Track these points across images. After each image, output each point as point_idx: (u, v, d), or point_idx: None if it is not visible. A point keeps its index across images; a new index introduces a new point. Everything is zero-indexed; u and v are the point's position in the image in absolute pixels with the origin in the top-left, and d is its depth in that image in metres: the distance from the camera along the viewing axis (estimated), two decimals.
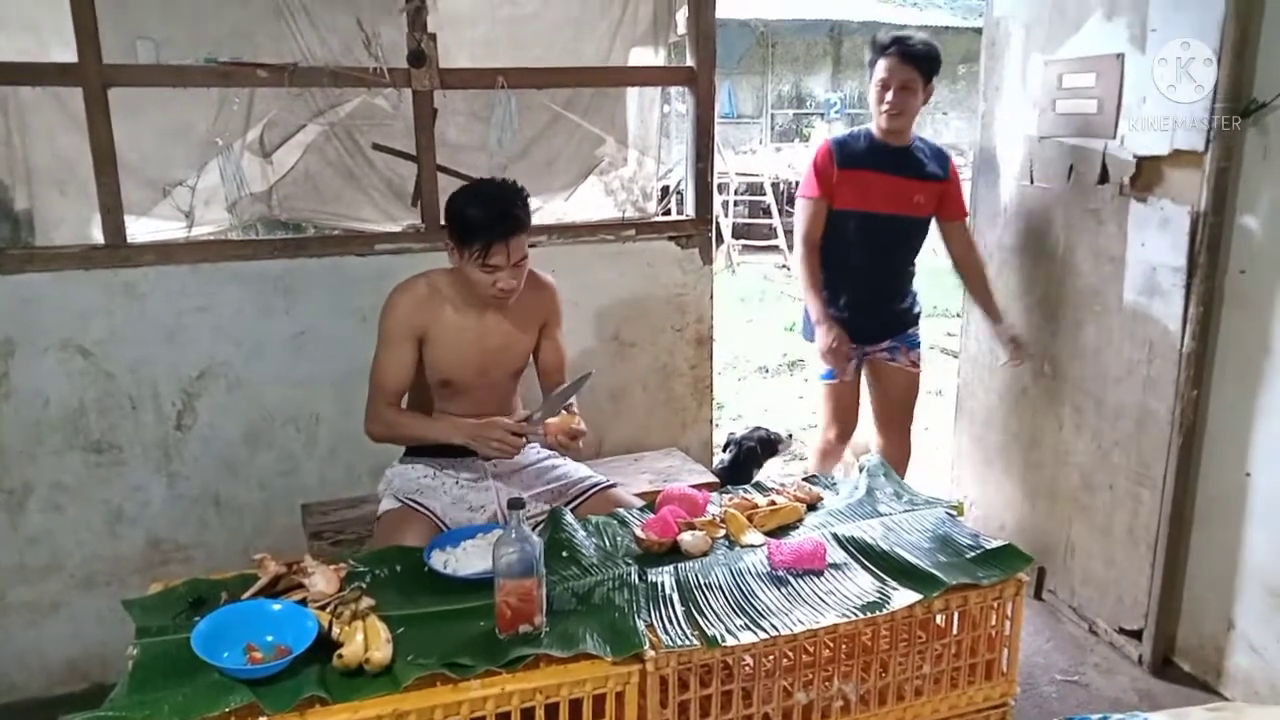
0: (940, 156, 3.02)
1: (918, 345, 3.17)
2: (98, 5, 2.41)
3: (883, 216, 2.95)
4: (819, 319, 2.99)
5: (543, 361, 2.43)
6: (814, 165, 2.97)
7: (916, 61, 2.83)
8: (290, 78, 2.61)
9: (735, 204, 11.53)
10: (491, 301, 2.22)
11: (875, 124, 2.94)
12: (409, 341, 2.23)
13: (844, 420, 3.13)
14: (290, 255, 2.71)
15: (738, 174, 11.58)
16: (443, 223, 2.24)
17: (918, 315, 3.17)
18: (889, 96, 2.85)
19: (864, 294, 3.04)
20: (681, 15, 3.07)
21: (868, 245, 2.98)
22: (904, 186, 2.93)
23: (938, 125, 14.74)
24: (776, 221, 11.47)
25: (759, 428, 3.92)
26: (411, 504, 2.23)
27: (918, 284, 3.18)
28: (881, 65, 2.85)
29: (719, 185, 3.67)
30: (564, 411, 2.22)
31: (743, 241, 11.21)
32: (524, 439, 2.20)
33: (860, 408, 3.26)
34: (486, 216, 2.12)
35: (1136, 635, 2.81)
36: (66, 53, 2.45)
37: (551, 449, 2.19)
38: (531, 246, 2.83)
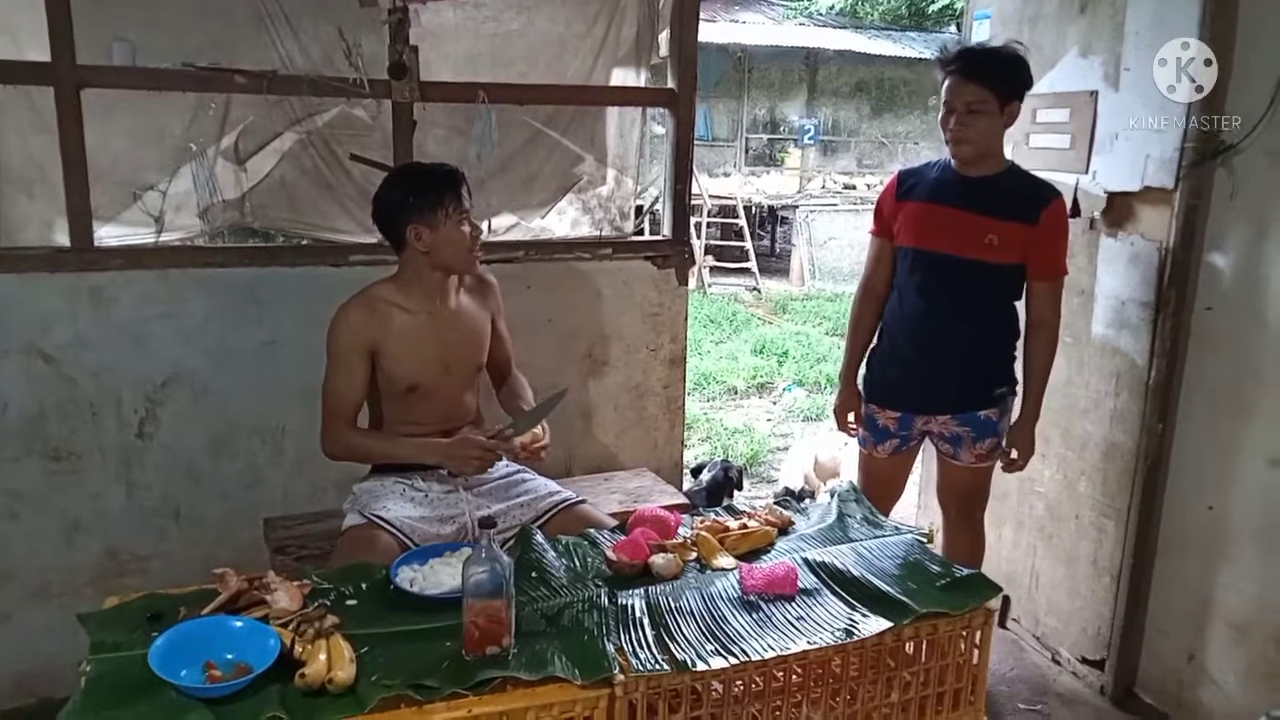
0: (1036, 196, 2.44)
1: (992, 434, 2.56)
2: (75, 7, 2.38)
3: (940, 257, 2.48)
4: (840, 375, 2.75)
5: (493, 355, 2.45)
6: (879, 198, 2.66)
7: (986, 76, 2.37)
8: (269, 85, 2.60)
9: (708, 226, 11.62)
10: (466, 267, 2.26)
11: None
12: (360, 359, 2.23)
13: (875, 497, 2.41)
14: (263, 264, 2.68)
15: (711, 196, 11.68)
16: (378, 218, 2.27)
17: (999, 395, 2.56)
18: (951, 122, 2.42)
19: (913, 350, 2.57)
20: (664, 38, 3.09)
21: (921, 290, 2.53)
22: (974, 224, 2.43)
23: (909, 155, 14.94)
24: (749, 244, 11.57)
25: (726, 459, 4.03)
26: (375, 520, 2.19)
27: (995, 350, 2.57)
28: (945, 85, 2.42)
29: (692, 206, 3.72)
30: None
31: (713, 262, 11.30)
32: (498, 454, 2.19)
33: (905, 484, 2.82)
34: (444, 172, 2.19)
35: (1099, 665, 2.83)
36: (42, 54, 2.41)
37: (514, 460, 2.20)
38: (508, 262, 2.85)
